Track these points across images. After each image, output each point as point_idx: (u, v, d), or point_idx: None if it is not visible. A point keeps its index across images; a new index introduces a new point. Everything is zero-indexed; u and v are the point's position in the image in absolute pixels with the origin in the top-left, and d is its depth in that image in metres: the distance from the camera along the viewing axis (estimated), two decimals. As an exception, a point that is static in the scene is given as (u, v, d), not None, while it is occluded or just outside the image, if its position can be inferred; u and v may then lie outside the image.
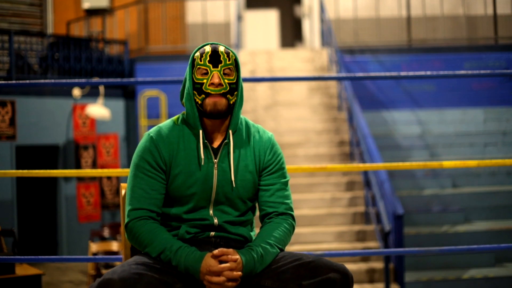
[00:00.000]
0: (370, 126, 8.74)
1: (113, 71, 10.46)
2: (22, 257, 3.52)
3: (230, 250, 2.22)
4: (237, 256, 2.20)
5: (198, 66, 2.38)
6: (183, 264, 2.21)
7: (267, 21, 13.58)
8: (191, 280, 2.24)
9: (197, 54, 2.40)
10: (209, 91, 2.35)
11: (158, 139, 2.40)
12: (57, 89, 9.60)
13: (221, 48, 2.39)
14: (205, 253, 2.23)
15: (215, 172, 2.38)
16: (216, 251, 2.20)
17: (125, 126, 10.41)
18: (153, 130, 2.44)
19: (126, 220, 2.36)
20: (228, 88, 2.36)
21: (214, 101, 2.34)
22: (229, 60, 2.37)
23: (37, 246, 9.70)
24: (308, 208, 7.46)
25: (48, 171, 3.65)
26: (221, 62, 2.36)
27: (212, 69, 2.35)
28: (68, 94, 9.63)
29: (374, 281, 6.46)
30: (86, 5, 12.12)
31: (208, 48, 2.39)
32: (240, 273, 2.19)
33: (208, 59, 2.36)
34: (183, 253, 2.23)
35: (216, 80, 2.34)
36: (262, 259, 2.24)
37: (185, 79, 2.44)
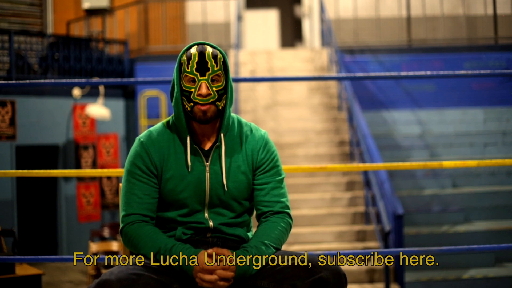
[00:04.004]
0: (370, 126, 8.74)
1: (113, 71, 10.46)
2: (22, 257, 3.52)
3: (225, 250, 2.21)
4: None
5: (185, 73, 2.34)
6: (177, 261, 2.21)
7: (267, 21, 13.57)
8: (188, 280, 2.23)
9: (184, 58, 2.35)
10: (197, 100, 2.32)
11: (148, 143, 2.39)
12: (57, 89, 9.60)
13: (209, 51, 2.34)
14: (199, 250, 2.23)
15: (207, 175, 2.37)
16: (210, 250, 2.20)
17: (125, 126, 10.41)
18: (143, 134, 2.43)
19: (120, 226, 2.36)
20: (216, 96, 2.33)
21: (203, 110, 2.32)
22: (216, 66, 2.33)
23: (37, 246, 9.70)
24: (308, 208, 7.46)
25: (48, 171, 3.64)
26: (208, 69, 2.32)
27: (199, 78, 2.32)
28: (68, 94, 9.62)
29: (374, 281, 6.46)
30: (86, 5, 12.12)
31: (194, 52, 2.34)
32: (232, 273, 2.18)
33: (195, 66, 2.32)
34: (177, 250, 2.23)
35: (204, 91, 2.31)
36: (256, 260, 2.23)
37: (173, 81, 2.41)
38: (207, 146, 2.40)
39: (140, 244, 2.29)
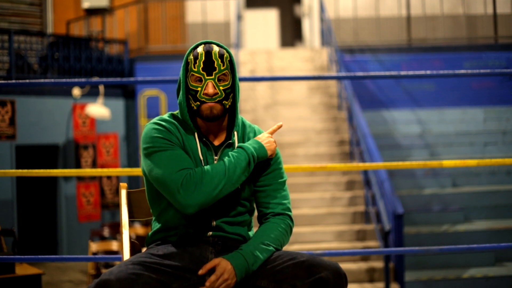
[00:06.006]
0: (370, 126, 8.74)
1: (113, 71, 10.46)
2: (22, 256, 3.52)
3: (222, 263, 2.21)
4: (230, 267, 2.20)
5: (191, 73, 2.33)
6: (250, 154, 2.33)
7: (267, 20, 13.57)
8: (188, 279, 2.24)
9: (191, 57, 2.34)
10: (204, 99, 2.32)
11: (162, 124, 2.35)
12: (57, 88, 9.60)
13: (215, 50, 2.33)
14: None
15: None
16: (213, 277, 2.19)
17: (125, 126, 10.41)
18: (155, 119, 2.40)
19: (174, 186, 2.25)
20: (223, 95, 2.33)
21: (210, 107, 2.31)
22: (223, 65, 2.32)
23: (37, 246, 9.70)
24: (308, 208, 7.46)
25: (48, 170, 3.64)
26: (215, 69, 2.31)
27: (206, 77, 2.31)
28: (68, 93, 9.62)
29: (374, 280, 6.47)
30: (86, 4, 12.11)
31: (201, 51, 2.33)
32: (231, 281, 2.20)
33: (202, 66, 2.31)
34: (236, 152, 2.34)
35: (210, 91, 2.30)
36: (252, 258, 2.23)
37: (180, 79, 2.41)
38: (215, 143, 2.41)
39: (206, 178, 2.24)
